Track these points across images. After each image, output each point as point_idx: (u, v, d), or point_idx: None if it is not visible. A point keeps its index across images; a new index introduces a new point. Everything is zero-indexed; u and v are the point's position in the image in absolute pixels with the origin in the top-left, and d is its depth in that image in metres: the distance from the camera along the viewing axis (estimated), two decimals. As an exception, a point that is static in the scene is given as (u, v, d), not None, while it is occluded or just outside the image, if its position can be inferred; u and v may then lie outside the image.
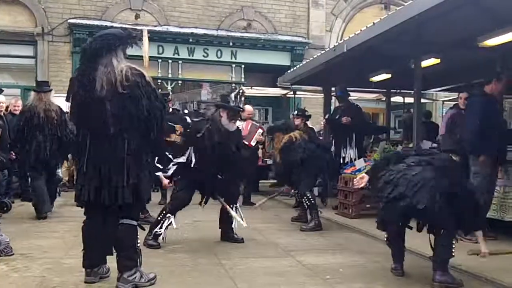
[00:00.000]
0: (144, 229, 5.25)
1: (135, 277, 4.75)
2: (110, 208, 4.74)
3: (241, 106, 7.46)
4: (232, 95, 7.16)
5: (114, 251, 4.90)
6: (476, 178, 7.21)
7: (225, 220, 7.20)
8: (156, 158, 5.47)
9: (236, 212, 7.12)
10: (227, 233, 7.20)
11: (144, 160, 4.74)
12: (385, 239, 5.71)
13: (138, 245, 4.88)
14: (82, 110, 4.70)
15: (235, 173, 7.20)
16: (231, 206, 7.07)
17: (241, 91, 7.46)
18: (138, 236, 4.88)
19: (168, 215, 6.76)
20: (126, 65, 4.68)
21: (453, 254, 5.17)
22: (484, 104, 7.31)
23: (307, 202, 8.44)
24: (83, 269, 4.92)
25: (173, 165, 6.78)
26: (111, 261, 4.93)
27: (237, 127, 7.19)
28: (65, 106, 13.23)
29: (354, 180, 5.70)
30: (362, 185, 5.89)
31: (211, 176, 6.79)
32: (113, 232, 4.83)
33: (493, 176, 7.24)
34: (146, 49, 5.29)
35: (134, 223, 4.84)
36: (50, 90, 9.38)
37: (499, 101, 7.83)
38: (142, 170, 4.70)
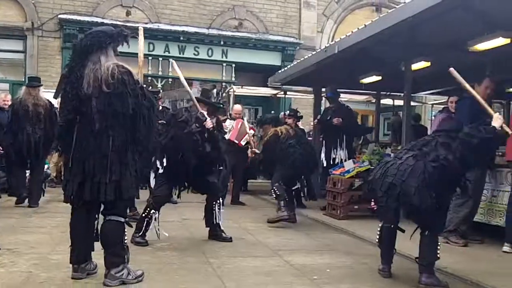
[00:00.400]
0: (131, 226, 5.24)
1: (123, 274, 4.75)
2: (94, 204, 4.78)
3: (221, 102, 7.52)
4: (214, 91, 7.28)
5: (94, 247, 4.96)
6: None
7: (210, 218, 7.19)
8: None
9: (219, 210, 7.12)
10: (215, 232, 7.19)
11: (129, 158, 4.72)
12: (377, 239, 5.71)
13: (126, 241, 4.87)
14: (69, 107, 4.70)
15: (212, 169, 7.21)
16: (214, 202, 7.07)
17: (224, 89, 7.55)
18: (125, 233, 4.87)
19: (152, 211, 6.75)
20: (114, 62, 4.68)
21: (438, 256, 5.20)
22: (471, 107, 7.36)
23: (273, 193, 8.62)
24: (71, 265, 4.90)
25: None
26: (99, 258, 4.91)
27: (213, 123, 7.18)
28: (55, 102, 13.32)
29: None
30: None
31: (186, 170, 6.80)
32: (93, 228, 4.91)
33: (481, 179, 7.28)
34: (141, 47, 5.28)
35: (122, 219, 4.82)
36: (40, 86, 9.76)
37: (489, 104, 7.86)
38: (126, 168, 4.69)
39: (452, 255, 6.50)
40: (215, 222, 7.13)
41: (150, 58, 16.38)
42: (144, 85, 5.07)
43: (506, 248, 6.74)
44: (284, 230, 8.28)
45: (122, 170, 4.65)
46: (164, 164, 6.79)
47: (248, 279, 5.22)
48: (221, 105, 7.98)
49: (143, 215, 6.77)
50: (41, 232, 7.32)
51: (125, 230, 4.86)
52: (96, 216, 4.95)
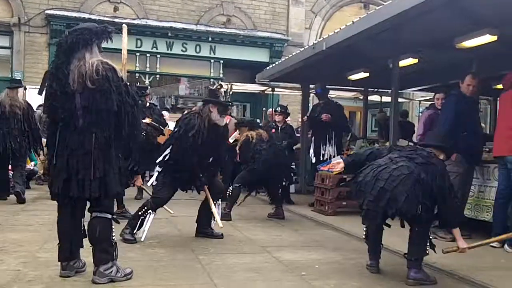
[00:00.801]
0: (119, 223, 5.21)
1: (111, 271, 4.74)
2: (80, 201, 4.78)
3: (230, 101, 7.51)
4: (222, 90, 7.25)
5: (83, 244, 4.95)
6: (450, 176, 7.31)
7: (205, 215, 7.18)
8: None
9: (217, 210, 7.12)
10: (205, 229, 7.18)
11: (113, 155, 4.71)
12: (363, 235, 5.74)
13: (114, 238, 4.86)
14: (54, 103, 4.70)
15: (220, 168, 7.27)
16: (215, 202, 7.06)
17: (229, 87, 7.52)
18: (113, 230, 4.86)
19: (149, 211, 6.74)
20: (98, 59, 4.67)
21: (427, 252, 5.24)
22: (455, 102, 7.43)
23: (228, 193, 8.72)
24: (59, 263, 4.89)
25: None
26: (87, 256, 4.90)
27: (225, 123, 7.20)
28: (41, 98, 13.22)
29: (331, 165, 5.73)
30: (338, 170, 6.01)
31: (197, 173, 6.78)
32: (80, 225, 4.91)
33: (468, 175, 7.33)
34: (125, 45, 5.27)
35: (108, 216, 4.81)
36: (18, 87, 10.28)
37: (475, 100, 7.93)
38: (110, 165, 4.68)
39: (440, 250, 6.54)
40: (213, 220, 7.08)
41: (137, 54, 16.35)
42: (128, 83, 5.07)
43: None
44: (273, 227, 8.30)
45: (106, 167, 4.64)
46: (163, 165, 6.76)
47: (237, 276, 5.24)
48: (230, 104, 8.01)
49: (139, 213, 6.72)
50: (29, 230, 7.29)
51: (113, 226, 4.85)
52: (83, 213, 4.95)
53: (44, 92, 4.92)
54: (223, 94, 6.97)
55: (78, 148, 4.59)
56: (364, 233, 5.72)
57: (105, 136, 4.63)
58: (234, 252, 6.33)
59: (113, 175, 4.69)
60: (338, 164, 6.12)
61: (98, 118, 4.59)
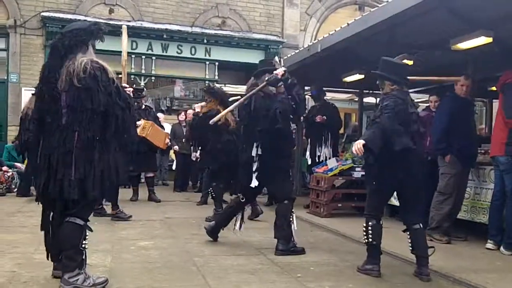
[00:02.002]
0: (92, 230, 4.77)
1: (77, 280, 4.49)
2: (58, 203, 4.60)
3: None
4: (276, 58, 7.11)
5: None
6: (444, 178, 7.34)
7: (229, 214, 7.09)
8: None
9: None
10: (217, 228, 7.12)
11: (96, 156, 4.49)
12: (367, 239, 5.59)
13: (84, 245, 4.59)
14: (41, 102, 4.61)
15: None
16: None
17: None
18: (86, 236, 4.60)
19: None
20: (89, 58, 4.56)
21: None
22: (449, 104, 7.46)
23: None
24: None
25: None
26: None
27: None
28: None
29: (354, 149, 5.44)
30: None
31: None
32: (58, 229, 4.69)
33: (462, 176, 7.34)
34: (124, 46, 5.24)
35: (81, 222, 4.57)
36: None
37: (470, 102, 7.94)
38: (92, 167, 4.46)
39: (435, 252, 6.54)
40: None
41: (133, 56, 16.32)
42: (125, 85, 5.01)
43: (489, 245, 6.81)
44: (268, 228, 8.25)
45: (87, 168, 4.44)
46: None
47: (232, 277, 5.23)
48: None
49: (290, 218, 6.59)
50: (24, 231, 7.27)
51: (85, 233, 4.58)
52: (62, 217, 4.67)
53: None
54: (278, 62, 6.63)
55: (59, 146, 4.42)
56: (368, 235, 5.56)
57: (88, 136, 4.45)
58: (229, 254, 6.32)
59: (93, 177, 4.46)
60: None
61: (81, 117, 4.44)
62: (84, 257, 4.60)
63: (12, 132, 14.78)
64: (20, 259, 5.59)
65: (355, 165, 9.71)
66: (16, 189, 11.91)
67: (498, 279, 5.44)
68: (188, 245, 6.74)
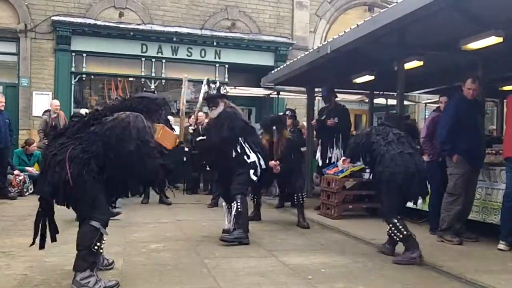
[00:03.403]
0: (107, 234, 4.84)
1: (89, 282, 4.58)
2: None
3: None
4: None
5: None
6: (452, 179, 7.32)
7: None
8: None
9: None
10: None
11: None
12: (404, 232, 6.06)
13: (97, 248, 4.69)
14: None
15: None
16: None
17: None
18: (102, 239, 4.73)
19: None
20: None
21: None
22: (455, 106, 7.44)
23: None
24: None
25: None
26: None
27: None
28: (48, 104, 13.38)
29: (339, 166, 6.40)
30: (346, 166, 6.52)
31: None
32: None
33: (471, 176, 7.31)
34: (183, 100, 5.98)
35: (96, 225, 4.65)
36: None
37: (478, 103, 7.91)
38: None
39: (447, 253, 6.54)
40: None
41: (143, 59, 16.34)
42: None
43: (501, 245, 6.77)
44: (279, 231, 8.29)
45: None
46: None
47: (243, 280, 5.23)
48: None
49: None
50: (36, 234, 7.29)
51: (99, 236, 4.67)
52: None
53: None
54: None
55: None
56: (401, 230, 6.08)
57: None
58: (240, 256, 6.32)
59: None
60: (344, 162, 6.59)
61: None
62: (96, 259, 4.73)
63: (23, 136, 14.85)
64: (31, 262, 5.62)
65: (365, 167, 9.67)
66: (27, 193, 12.02)
67: (510, 280, 5.40)
68: (199, 247, 6.74)
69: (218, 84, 7.49)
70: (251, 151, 7.20)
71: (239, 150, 7.11)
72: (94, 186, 4.59)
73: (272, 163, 8.27)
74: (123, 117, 4.65)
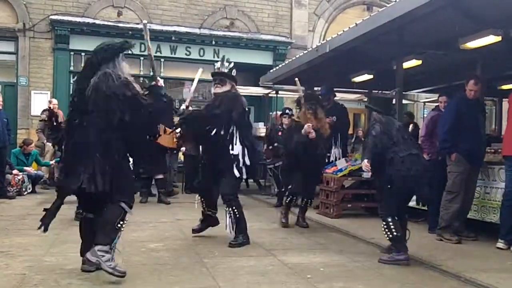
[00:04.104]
0: (132, 214, 5.14)
1: (104, 256, 4.79)
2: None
3: None
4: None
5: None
6: (451, 176, 7.33)
7: None
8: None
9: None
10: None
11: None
12: (394, 233, 5.97)
13: (120, 227, 4.95)
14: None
15: None
16: None
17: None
18: (125, 220, 4.99)
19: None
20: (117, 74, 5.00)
21: None
22: (456, 105, 7.44)
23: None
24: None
25: None
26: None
27: None
28: (46, 102, 13.38)
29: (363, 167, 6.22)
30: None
31: None
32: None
33: (470, 175, 7.31)
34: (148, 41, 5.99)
35: (125, 207, 4.96)
36: None
37: (479, 102, 7.91)
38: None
39: (446, 252, 6.55)
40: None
41: (141, 58, 16.35)
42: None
43: (500, 244, 6.78)
44: (278, 230, 8.29)
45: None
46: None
47: (242, 279, 5.23)
48: None
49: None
50: (35, 234, 7.24)
51: (123, 216, 4.95)
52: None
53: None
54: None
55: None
56: (392, 230, 5.99)
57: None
58: (239, 255, 6.31)
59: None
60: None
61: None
62: (117, 238, 4.97)
63: (22, 135, 14.85)
64: (30, 262, 5.60)
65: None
66: (26, 193, 12.03)
67: (509, 278, 5.41)
68: (198, 247, 6.73)
69: (232, 64, 7.62)
70: (238, 143, 6.89)
71: (227, 137, 6.86)
72: (129, 167, 5.19)
73: (308, 125, 8.21)
74: (92, 84, 4.91)
